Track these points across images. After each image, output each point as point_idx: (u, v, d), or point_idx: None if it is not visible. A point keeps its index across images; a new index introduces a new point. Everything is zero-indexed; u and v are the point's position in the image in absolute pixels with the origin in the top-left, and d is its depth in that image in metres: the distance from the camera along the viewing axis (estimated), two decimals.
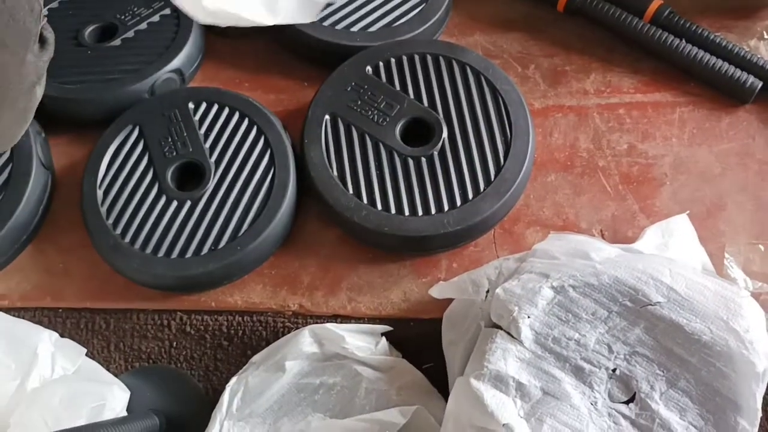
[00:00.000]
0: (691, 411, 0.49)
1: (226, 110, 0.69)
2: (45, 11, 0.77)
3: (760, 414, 0.48)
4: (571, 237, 0.58)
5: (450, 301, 0.60)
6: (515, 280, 0.54)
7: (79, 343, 0.62)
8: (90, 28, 0.76)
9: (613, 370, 0.50)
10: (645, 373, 0.50)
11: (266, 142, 0.67)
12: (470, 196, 0.63)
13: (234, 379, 0.58)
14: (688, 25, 0.74)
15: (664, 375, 0.50)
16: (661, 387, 0.50)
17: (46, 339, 0.58)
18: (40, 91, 0.64)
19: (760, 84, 0.71)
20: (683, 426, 0.48)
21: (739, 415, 0.48)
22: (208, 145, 0.67)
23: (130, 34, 0.75)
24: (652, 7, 0.75)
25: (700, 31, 0.74)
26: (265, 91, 0.75)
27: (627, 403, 0.50)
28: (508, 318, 0.52)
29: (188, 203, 0.64)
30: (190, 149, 0.67)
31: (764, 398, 0.59)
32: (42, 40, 0.64)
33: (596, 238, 0.58)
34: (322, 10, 0.75)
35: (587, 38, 0.76)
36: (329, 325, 0.59)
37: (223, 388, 0.58)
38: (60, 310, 0.64)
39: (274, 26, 0.69)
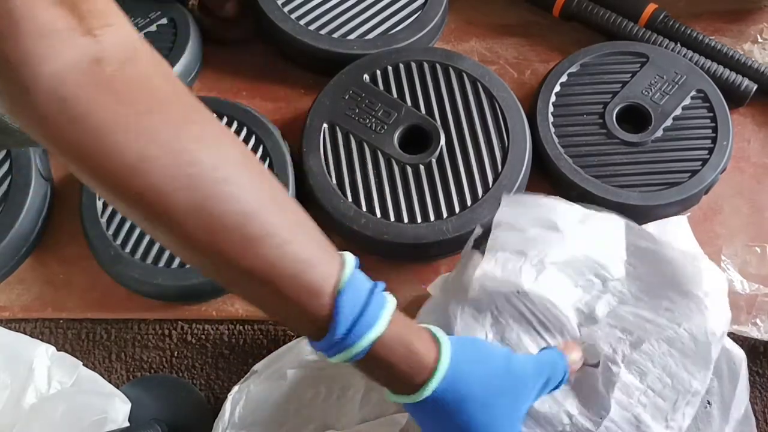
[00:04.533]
0: (651, 374, 0.50)
1: (224, 120, 0.69)
2: None
3: (711, 375, 0.49)
4: (530, 199, 0.57)
5: None
6: (491, 260, 0.53)
7: (80, 354, 0.62)
8: None
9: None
10: (608, 337, 0.51)
11: (265, 150, 0.67)
12: (468, 202, 0.63)
13: (236, 388, 0.59)
14: (682, 29, 0.74)
15: (627, 339, 0.51)
16: (624, 350, 0.50)
17: (42, 353, 0.58)
18: None
19: (754, 87, 0.71)
20: (641, 390, 0.49)
21: (694, 378, 0.49)
22: None
23: None
24: (647, 12, 0.76)
25: (694, 35, 0.74)
26: (262, 99, 0.75)
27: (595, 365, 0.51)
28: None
29: None
30: None
31: (762, 401, 0.60)
32: None
33: (558, 199, 0.57)
34: (319, 19, 0.75)
35: (583, 43, 0.76)
36: None
37: (225, 397, 0.58)
38: (61, 321, 0.64)
39: (271, 35, 0.68)
